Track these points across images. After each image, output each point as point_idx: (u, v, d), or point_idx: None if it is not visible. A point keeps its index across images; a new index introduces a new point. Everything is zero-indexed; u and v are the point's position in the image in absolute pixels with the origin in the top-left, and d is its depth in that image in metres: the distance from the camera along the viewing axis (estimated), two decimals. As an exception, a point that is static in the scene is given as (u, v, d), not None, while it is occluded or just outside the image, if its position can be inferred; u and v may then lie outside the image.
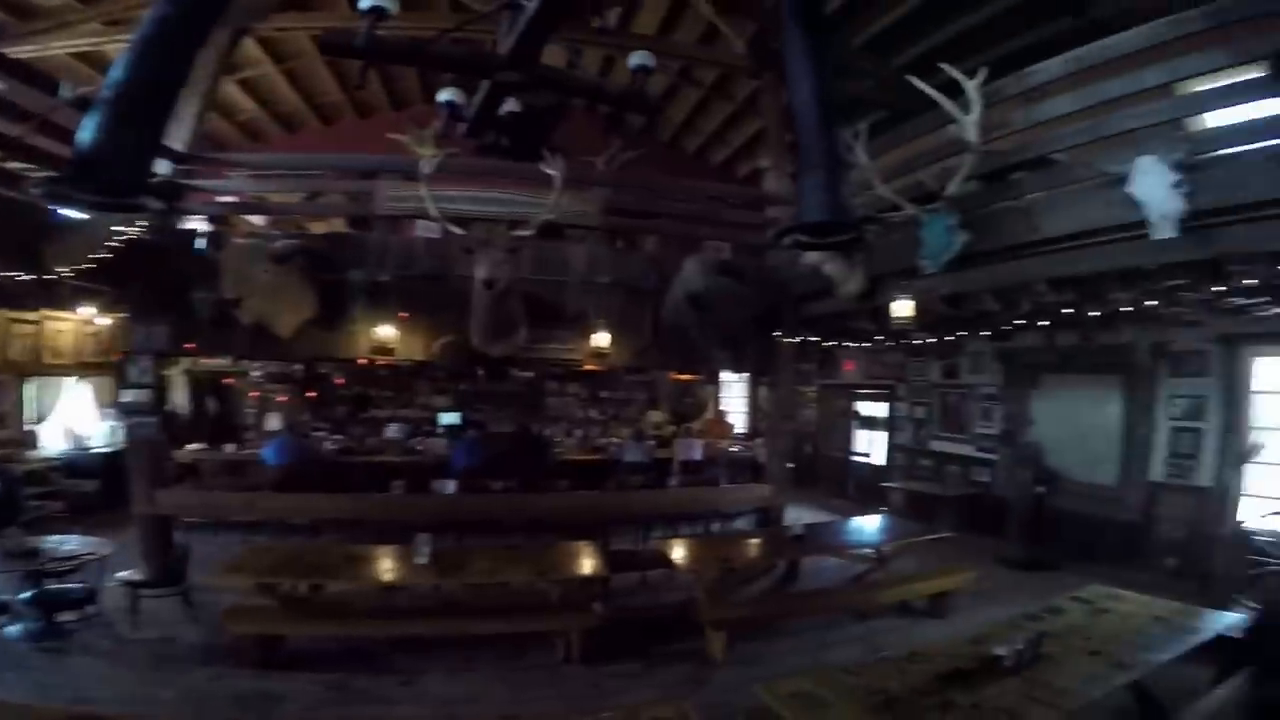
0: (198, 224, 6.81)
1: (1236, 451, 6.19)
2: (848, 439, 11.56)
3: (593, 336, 7.36)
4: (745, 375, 10.61)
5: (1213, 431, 6.37)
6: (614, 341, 7.40)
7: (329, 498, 6.86)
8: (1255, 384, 6.21)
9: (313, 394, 10.65)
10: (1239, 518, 6.01)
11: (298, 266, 6.18)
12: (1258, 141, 3.36)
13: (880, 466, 10.65)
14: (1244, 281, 3.75)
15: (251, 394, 10.54)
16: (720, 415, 11.71)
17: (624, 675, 4.58)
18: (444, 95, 5.42)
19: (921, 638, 4.91)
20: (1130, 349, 6.88)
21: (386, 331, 6.68)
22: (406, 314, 6.81)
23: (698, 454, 9.08)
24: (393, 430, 9.90)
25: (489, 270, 5.62)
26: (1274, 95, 3.35)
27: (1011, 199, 4.66)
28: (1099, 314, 5.16)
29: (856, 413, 11.41)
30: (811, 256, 5.84)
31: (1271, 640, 3.62)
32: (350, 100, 11.45)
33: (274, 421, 9.73)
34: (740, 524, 8.03)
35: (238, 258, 6.27)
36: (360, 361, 7.52)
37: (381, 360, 7.16)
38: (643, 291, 7.34)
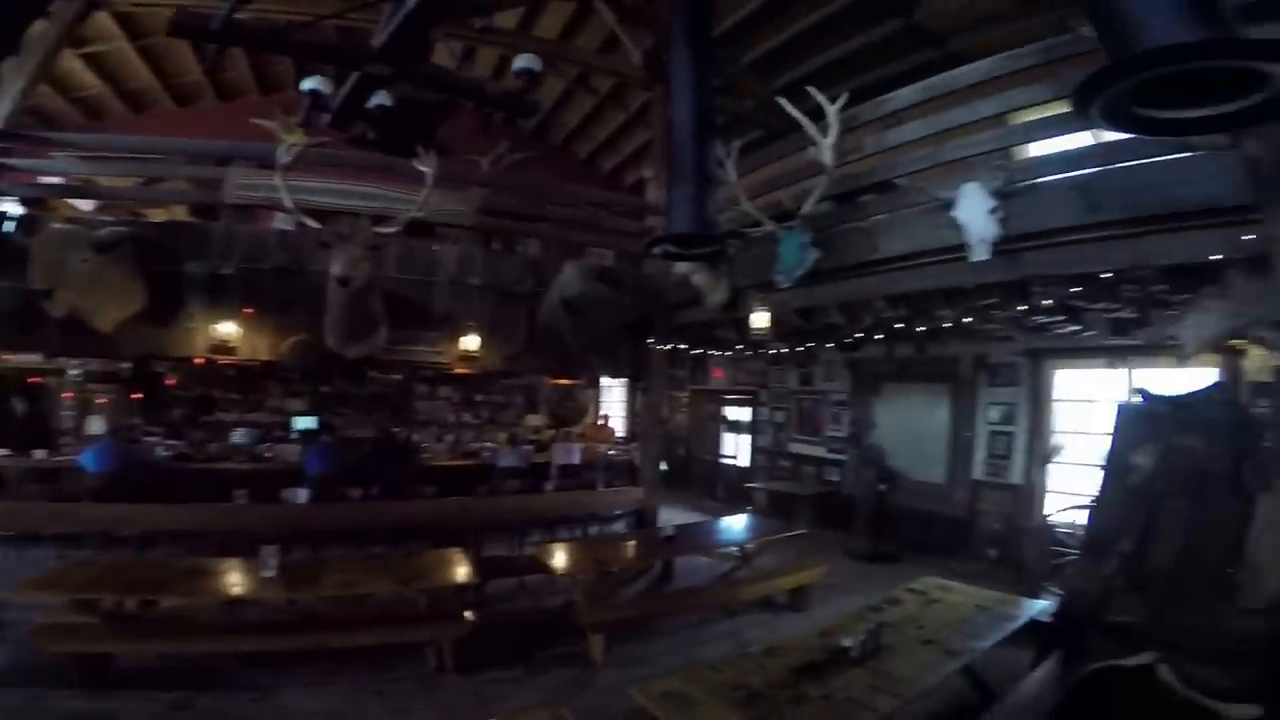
0: (7, 207, 5.91)
1: (1041, 452, 6.95)
2: (717, 442, 11.89)
3: (461, 339, 7.09)
4: (625, 380, 10.68)
5: (1022, 434, 7.10)
6: (485, 345, 7.16)
7: (163, 508, 6.14)
8: (1056, 393, 6.99)
9: (139, 395, 9.49)
10: (1045, 512, 6.61)
11: (125, 256, 5.49)
12: (1061, 172, 3.72)
13: (745, 468, 11.03)
14: (1042, 302, 4.19)
15: (65, 395, 9.24)
16: (601, 419, 11.70)
17: (505, 682, 4.49)
18: (308, 84, 5.03)
19: (782, 631, 5.09)
20: (956, 360, 7.53)
21: (228, 328, 6.10)
22: (252, 310, 6.25)
23: (576, 458, 9.00)
24: (239, 435, 9.02)
25: (345, 267, 5.26)
26: (1079, 129, 3.75)
27: (858, 220, 4.96)
28: (930, 329, 5.60)
29: (725, 417, 11.76)
30: (681, 266, 5.94)
31: (1073, 625, 4.01)
32: (212, 81, 10.40)
33: (96, 425, 8.60)
34: (618, 527, 8.04)
35: (51, 245, 5.46)
36: (198, 361, 6.80)
37: (223, 359, 6.50)
38: (517, 295, 7.17)
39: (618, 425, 12.11)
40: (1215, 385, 4.19)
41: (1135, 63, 1.98)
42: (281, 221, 6.80)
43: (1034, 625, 4.21)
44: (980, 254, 3.74)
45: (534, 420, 10.82)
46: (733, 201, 5.48)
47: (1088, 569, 4.57)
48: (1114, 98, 2.10)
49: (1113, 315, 4.36)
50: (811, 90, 4.83)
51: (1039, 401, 7.00)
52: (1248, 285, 3.06)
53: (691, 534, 6.46)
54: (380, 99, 6.49)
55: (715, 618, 5.72)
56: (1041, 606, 4.41)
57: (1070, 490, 6.50)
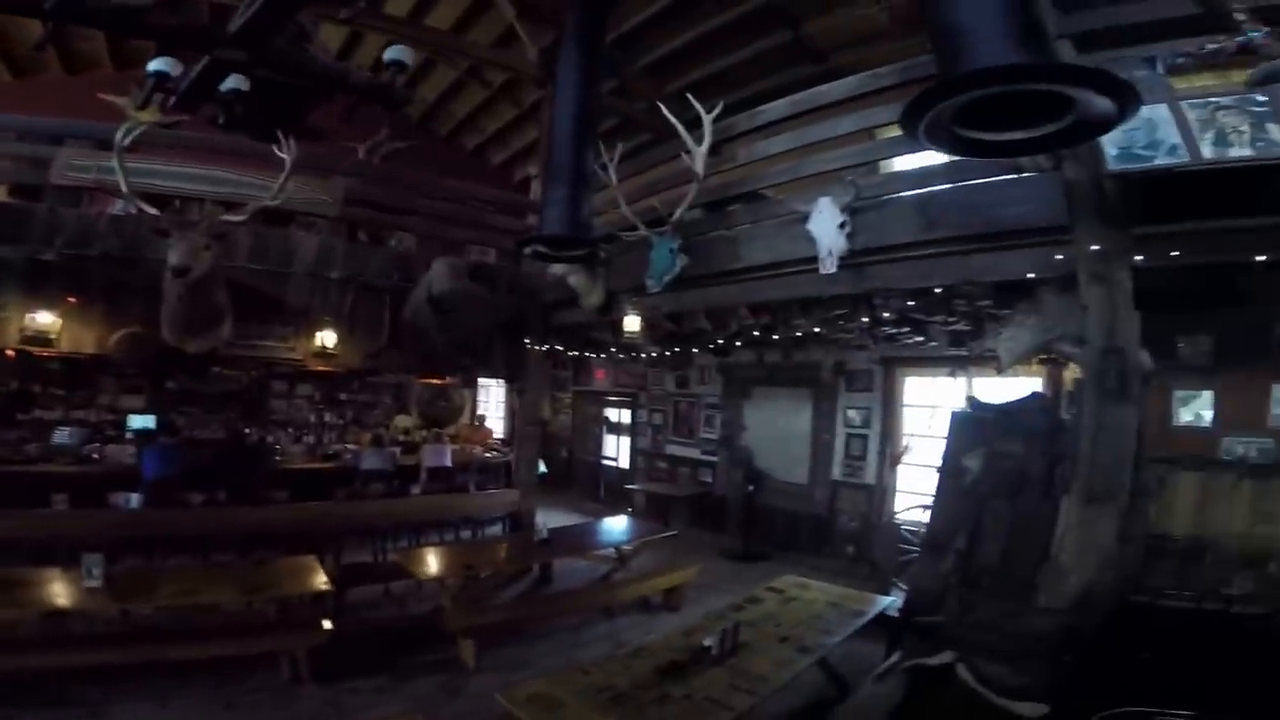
0: None
1: (892, 454, 7.32)
2: (599, 444, 11.75)
3: (317, 334, 6.50)
4: (501, 380, 10.30)
5: (875, 437, 7.45)
6: (344, 341, 6.61)
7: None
8: (906, 399, 7.38)
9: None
10: (894, 511, 6.95)
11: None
12: (906, 190, 3.84)
13: (626, 469, 10.96)
14: (883, 314, 4.34)
15: None
16: (478, 420, 11.20)
17: (366, 691, 4.30)
18: (154, 64, 4.46)
19: (658, 631, 5.05)
20: (818, 367, 7.80)
21: (46, 318, 5.39)
22: (76, 299, 5.55)
23: (448, 460, 8.54)
24: (62, 435, 7.83)
25: (183, 257, 4.64)
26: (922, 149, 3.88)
27: (725, 228, 4.96)
28: (792, 336, 5.71)
29: (606, 419, 11.64)
30: (557, 267, 5.73)
31: (916, 619, 4.14)
32: (58, 52, 8.98)
33: None
34: (493, 530, 7.73)
35: None
36: (9, 353, 5.88)
37: (40, 352, 5.75)
38: (381, 290, 6.67)
39: (497, 426, 11.65)
40: (1034, 395, 4.51)
41: (951, 85, 2.03)
42: (121, 206, 5.98)
43: (883, 620, 4.37)
44: (828, 267, 3.79)
45: (404, 421, 10.16)
46: (612, 205, 5.34)
47: (927, 566, 4.78)
48: (938, 119, 2.15)
49: (950, 327, 4.58)
50: (690, 98, 4.77)
51: (891, 406, 7.37)
52: (1057, 302, 3.26)
53: (568, 537, 6.34)
54: (235, 83, 5.88)
55: (595, 619, 5.72)
56: (889, 602, 4.57)
57: (917, 490, 6.82)
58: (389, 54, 6.81)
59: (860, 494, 7.53)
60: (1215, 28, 2.98)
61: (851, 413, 7.68)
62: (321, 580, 4.43)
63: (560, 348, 7.16)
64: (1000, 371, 3.89)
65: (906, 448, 7.15)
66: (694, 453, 9.69)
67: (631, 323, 5.44)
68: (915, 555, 5.65)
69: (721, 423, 9.21)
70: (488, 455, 9.40)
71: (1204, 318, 4.27)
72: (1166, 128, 2.70)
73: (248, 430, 8.72)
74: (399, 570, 5.19)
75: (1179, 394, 4.44)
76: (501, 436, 11.03)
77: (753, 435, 8.81)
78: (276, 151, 4.92)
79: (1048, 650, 3.07)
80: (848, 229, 3.81)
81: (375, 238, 7.51)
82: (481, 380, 11.72)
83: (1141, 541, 3.95)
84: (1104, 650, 3.25)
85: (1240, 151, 2.61)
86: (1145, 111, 2.69)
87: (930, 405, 7.08)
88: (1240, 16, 2.95)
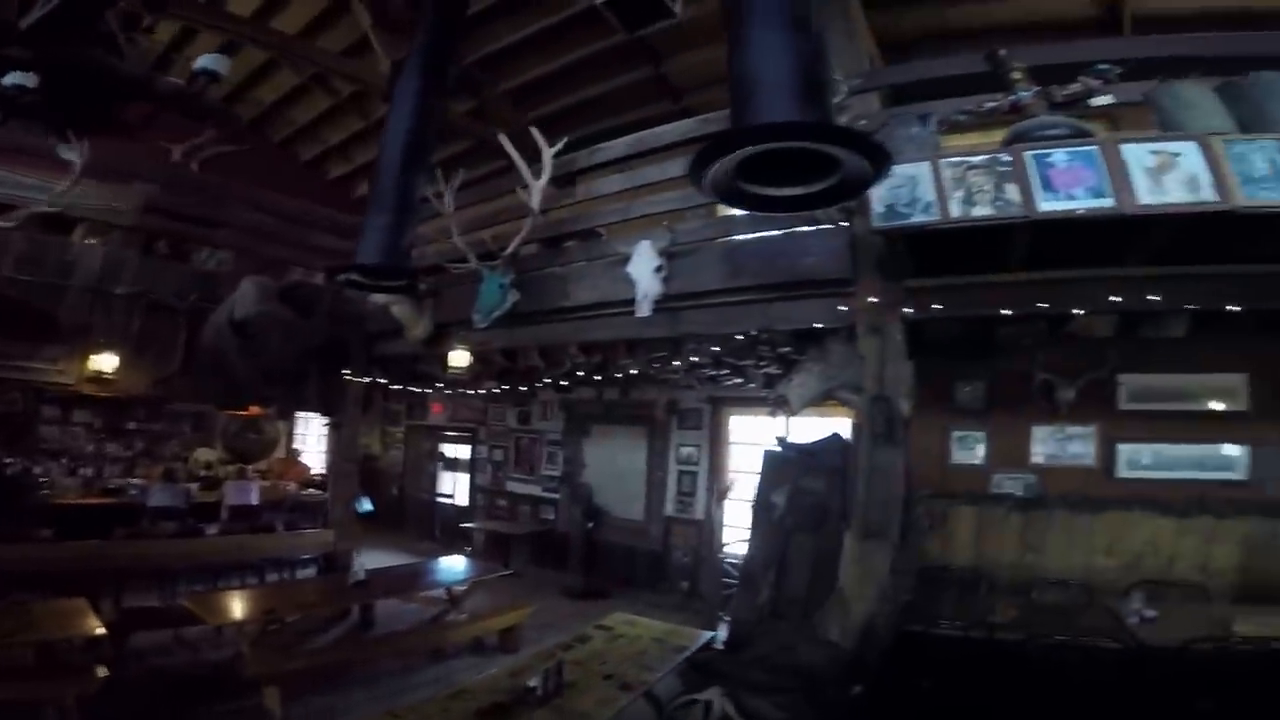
0: None
1: (718, 489, 7.47)
2: (434, 480, 11.08)
3: (93, 356, 5.54)
4: (315, 413, 9.39)
5: (704, 473, 7.60)
6: (128, 365, 5.68)
7: None
8: (732, 436, 7.62)
9: None
10: (720, 545, 6.97)
11: None
12: (716, 237, 3.93)
13: (464, 507, 10.38)
14: (691, 358, 4.40)
15: None
16: (293, 455, 10.10)
17: None
18: None
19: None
20: (653, 405, 7.87)
21: None
22: None
23: (254, 497, 7.60)
24: None
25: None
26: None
27: (557, 265, 4.86)
28: (625, 375, 5.68)
29: (443, 454, 11.01)
30: (378, 297, 5.31)
31: (738, 651, 4.13)
32: None
33: None
34: (308, 572, 6.93)
35: None
36: None
37: None
38: (176, 309, 5.84)
39: (317, 461, 10.57)
40: (834, 435, 4.75)
41: (723, 142, 2.05)
42: None
43: (709, 652, 4.30)
44: (643, 310, 3.77)
45: (206, 454, 8.90)
46: (445, 234, 5.05)
47: (745, 599, 4.85)
48: (722, 172, 2.17)
49: (762, 370, 4.73)
50: (533, 131, 4.65)
51: (718, 444, 7.58)
52: (840, 351, 3.44)
53: (390, 578, 5.91)
54: (19, 79, 5.01)
55: (424, 663, 5.33)
56: (710, 637, 4.54)
57: (743, 524, 6.80)
58: (200, 62, 6.16)
59: (692, 529, 7.60)
60: (998, 86, 3.26)
61: (683, 449, 7.81)
62: (93, 624, 3.98)
63: (384, 381, 6.61)
64: (791, 416, 4.04)
65: (731, 483, 7.33)
66: (536, 490, 9.37)
67: (458, 358, 5.13)
68: (734, 589, 5.72)
69: (563, 459, 8.99)
70: (303, 492, 8.49)
71: (978, 365, 4.69)
72: (925, 186, 2.86)
73: (8, 460, 7.28)
74: (189, 614, 4.71)
75: (956, 434, 4.83)
76: (322, 472, 10.02)
77: (593, 472, 8.70)
78: (64, 152, 4.20)
79: (816, 684, 3.11)
80: (664, 273, 3.83)
81: (177, 251, 6.60)
82: (301, 412, 10.64)
83: (912, 574, 4.22)
84: (886, 680, 3.37)
85: (982, 210, 2.78)
86: (910, 169, 2.89)
87: (752, 443, 7.34)
88: (1016, 76, 3.30)
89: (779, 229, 3.65)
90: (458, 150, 7.95)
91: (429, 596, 6.13)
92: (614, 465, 8.42)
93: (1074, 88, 3.18)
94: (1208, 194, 2.61)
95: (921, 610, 3.89)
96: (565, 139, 4.68)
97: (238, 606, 4.74)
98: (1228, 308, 2.90)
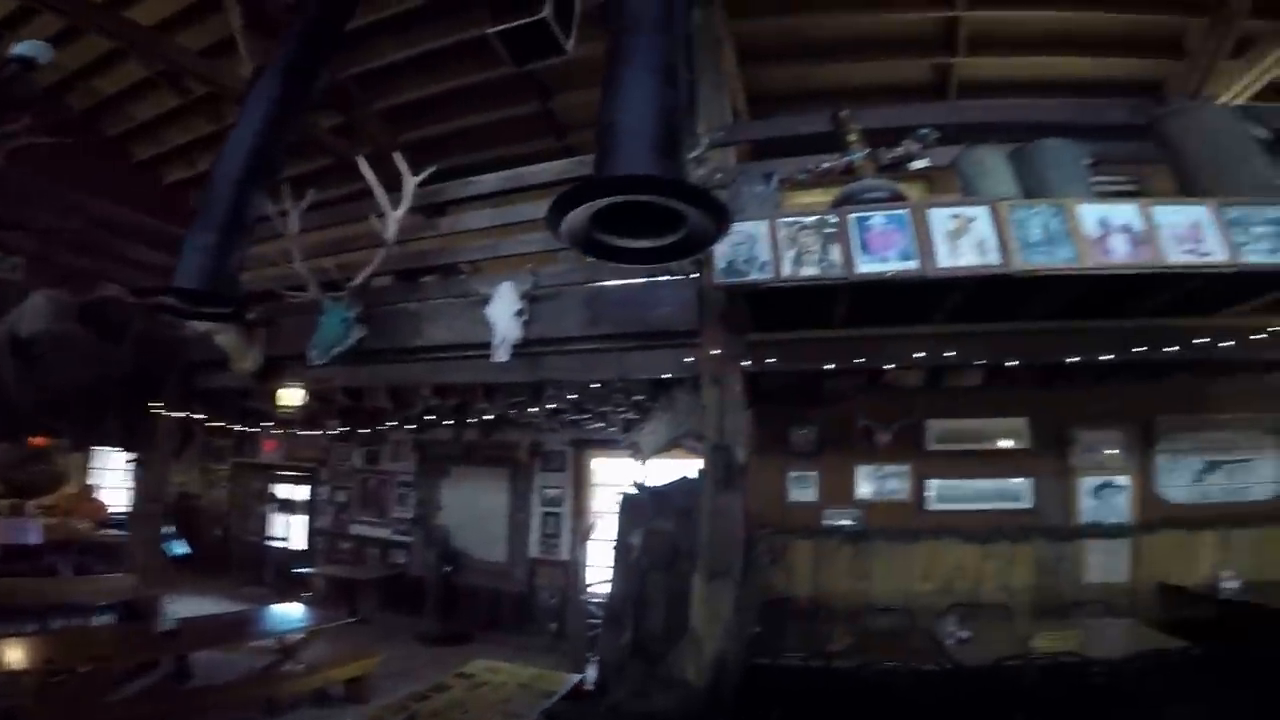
0: None
1: (582, 531, 7.47)
2: (265, 523, 10.12)
3: None
4: (117, 447, 8.22)
5: (568, 515, 7.58)
6: None
7: None
8: (595, 478, 7.69)
9: None
10: (585, 586, 6.95)
11: None
12: (577, 283, 3.97)
13: (301, 551, 9.56)
14: (548, 405, 4.40)
15: None
16: (87, 491, 8.71)
17: None
18: None
19: None
20: (515, 446, 7.78)
21: None
22: None
23: (35, 537, 6.54)
24: None
25: None
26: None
27: (412, 301, 4.65)
28: (483, 418, 5.53)
29: (274, 495, 10.11)
30: (199, 323, 4.79)
31: (606, 692, 4.12)
32: None
33: None
34: (105, 620, 6.01)
35: None
36: None
37: None
38: (-66, 325, 4.92)
39: (118, 498, 9.18)
40: (684, 478, 4.93)
41: (578, 191, 2.10)
42: None
43: (579, 693, 4.24)
44: (500, 355, 3.72)
45: (-26, 488, 7.45)
46: (286, 258, 4.68)
47: (610, 639, 4.86)
48: (578, 220, 2.20)
49: (621, 415, 4.81)
50: (397, 157, 4.45)
51: (581, 485, 7.63)
52: (687, 401, 3.59)
53: (208, 626, 5.38)
54: None
55: (257, 717, 4.97)
56: (579, 678, 4.48)
57: (605, 565, 6.76)
58: (18, 48, 5.34)
59: (557, 570, 7.54)
60: (836, 147, 3.53)
61: (547, 491, 7.77)
62: None
63: (203, 417, 5.94)
64: (642, 461, 4.15)
65: (595, 524, 7.36)
66: (385, 533, 8.83)
67: (290, 396, 4.74)
68: (598, 630, 5.73)
69: (417, 501, 8.58)
70: (98, 533, 7.39)
71: (810, 412, 5.12)
72: (763, 244, 3.03)
73: None
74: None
75: (792, 475, 5.22)
76: (123, 510, 8.71)
77: (451, 514, 8.38)
78: None
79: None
80: (525, 317, 3.80)
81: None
82: (100, 446, 9.24)
83: (757, 608, 4.44)
84: (738, 714, 3.48)
85: (809, 270, 2.96)
86: (750, 227, 3.07)
87: (616, 484, 7.43)
88: (852, 138, 3.60)
89: (640, 277, 3.75)
90: (315, 167, 7.46)
91: (259, 646, 5.58)
92: (474, 507, 8.17)
93: (898, 151, 3.57)
94: (993, 257, 2.89)
95: (768, 642, 4.10)
96: (433, 167, 4.56)
97: (10, 656, 4.18)
98: (1007, 363, 3.38)
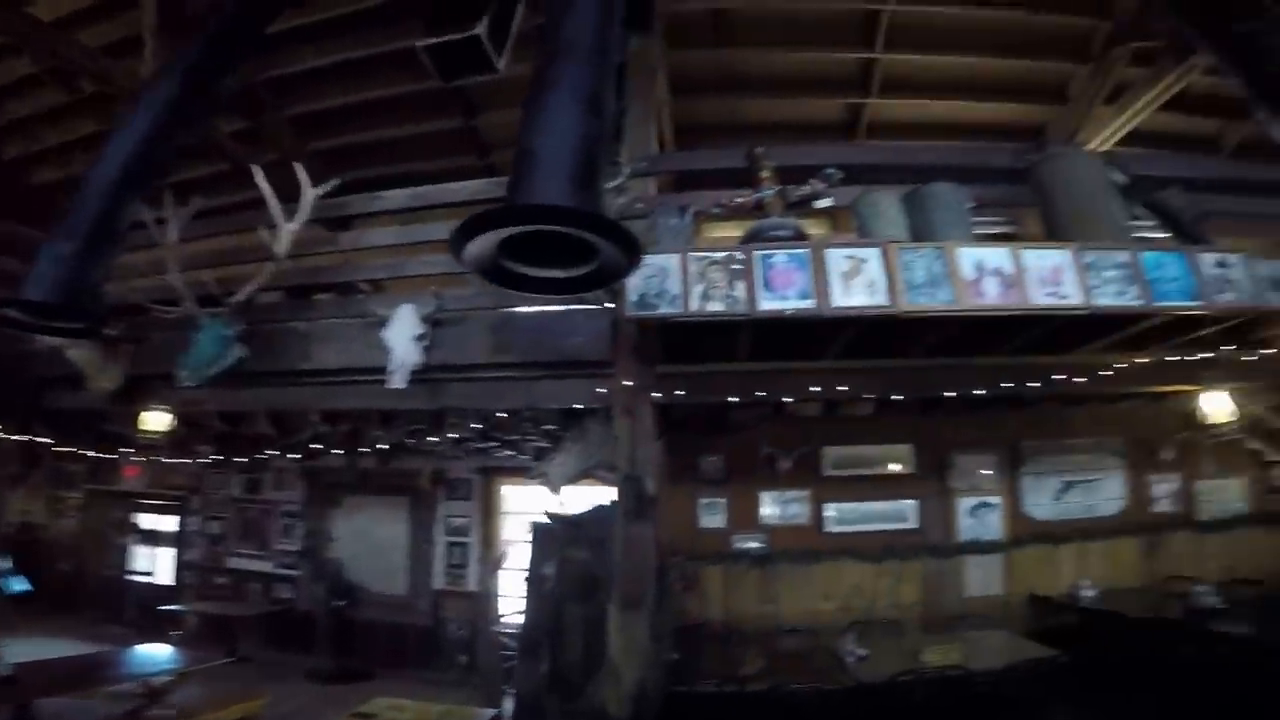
0: None
1: (492, 561, 7.27)
2: (125, 556, 9.20)
3: None
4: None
5: (476, 545, 7.35)
6: None
7: None
8: (505, 506, 7.52)
9: None
10: (497, 617, 6.82)
11: None
12: (483, 308, 3.87)
13: (167, 587, 8.74)
14: (448, 434, 4.28)
15: None
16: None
17: None
18: None
19: None
20: (416, 474, 7.47)
21: None
22: None
23: None
24: None
25: None
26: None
27: (303, 319, 4.38)
28: (379, 447, 5.28)
29: (137, 525, 9.23)
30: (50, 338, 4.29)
31: None
32: None
33: None
34: None
35: None
36: None
37: None
38: None
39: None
40: (600, 506, 4.92)
41: (485, 219, 2.06)
42: None
43: None
44: (397, 381, 3.56)
45: None
46: (159, 269, 4.30)
47: (527, 670, 4.75)
48: (485, 248, 2.15)
49: (531, 444, 4.74)
50: (297, 167, 4.19)
51: (490, 514, 7.43)
52: (599, 432, 3.59)
53: (55, 670, 4.86)
54: None
55: None
56: (494, 713, 4.44)
57: (518, 595, 6.58)
58: None
59: (465, 602, 7.30)
60: (751, 182, 3.61)
61: (452, 521, 7.50)
62: None
63: (50, 441, 5.31)
64: (553, 492, 4.11)
65: (504, 554, 7.19)
66: (268, 566, 8.21)
67: (155, 420, 4.33)
68: (514, 661, 5.60)
69: (305, 533, 8.05)
70: None
71: (719, 441, 5.29)
72: (674, 278, 3.08)
73: None
74: None
75: (703, 501, 5.35)
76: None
77: (343, 546, 7.91)
78: None
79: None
80: (425, 342, 3.67)
81: None
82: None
83: (671, 635, 4.48)
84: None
85: (715, 306, 3.03)
86: (664, 261, 3.12)
87: (528, 512, 7.30)
88: (764, 174, 3.69)
89: (546, 305, 3.71)
90: (209, 172, 6.92)
91: (119, 691, 5.01)
92: (370, 538, 7.78)
93: (804, 189, 3.73)
94: (882, 298, 3.04)
95: (686, 669, 4.16)
96: (336, 180, 4.32)
97: None
98: (893, 397, 3.62)
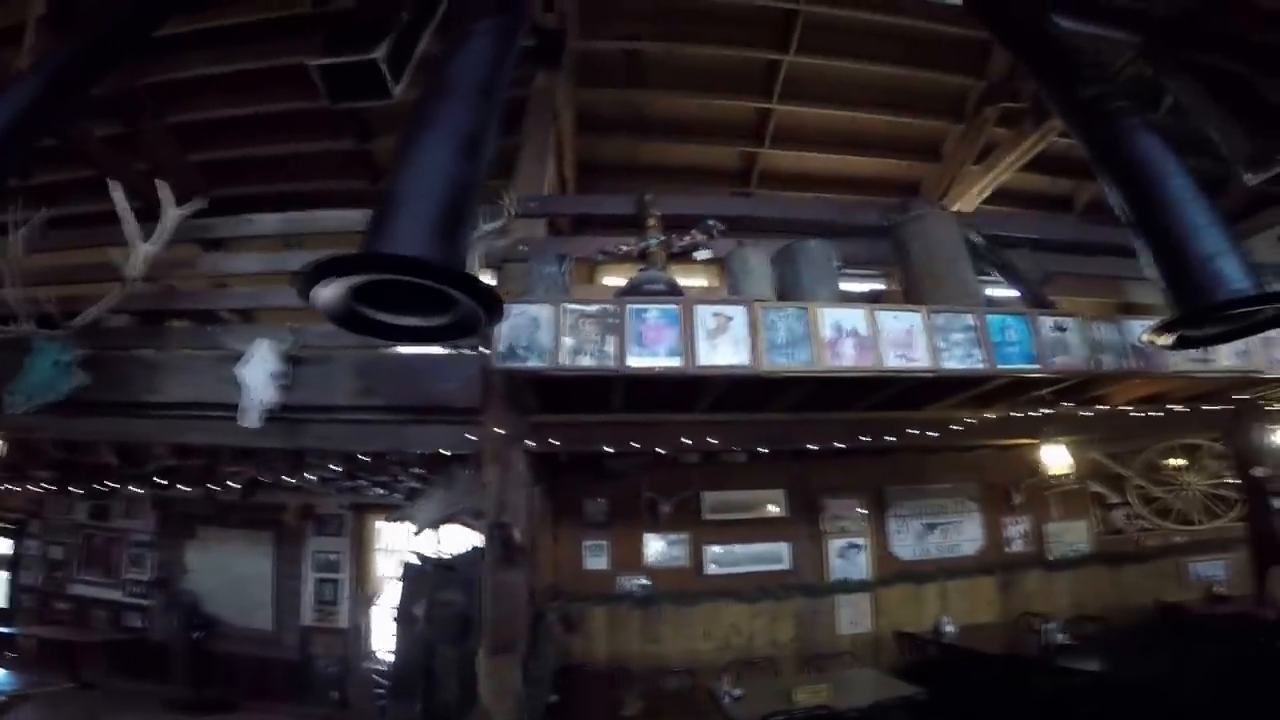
0: None
1: (364, 597, 7.06)
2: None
3: None
4: None
5: (347, 581, 7.15)
6: None
7: None
8: (378, 543, 7.37)
9: None
10: (370, 653, 6.77)
11: None
12: (348, 347, 3.73)
13: (2, 609, 8.13)
14: (307, 475, 4.15)
15: None
16: None
17: None
18: None
19: None
20: (282, 509, 7.21)
21: None
22: None
23: None
24: None
25: None
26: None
27: (151, 348, 4.13)
28: (235, 484, 5.03)
29: None
30: None
31: None
32: None
33: None
34: None
35: None
36: None
37: None
38: None
39: None
40: (474, 548, 4.89)
41: (338, 265, 1.99)
42: None
43: None
44: (251, 420, 3.42)
45: None
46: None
47: (398, 710, 4.72)
48: (336, 292, 2.11)
49: (402, 483, 4.67)
50: (159, 182, 3.95)
51: (362, 550, 7.27)
52: (466, 478, 3.59)
53: None
54: None
55: None
56: None
57: (391, 633, 6.64)
58: None
59: (336, 638, 7.11)
60: (638, 229, 3.68)
61: (322, 556, 7.28)
62: None
63: None
64: (417, 534, 4.07)
65: (379, 591, 7.03)
66: (116, 594, 7.77)
67: (-23, 448, 3.97)
68: (387, 700, 5.48)
69: (157, 563, 7.63)
70: None
71: (602, 485, 5.42)
72: (546, 330, 3.07)
73: None
74: None
75: (587, 544, 5.44)
76: None
77: (201, 578, 7.53)
78: None
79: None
80: (284, 380, 3.54)
81: None
82: None
83: (548, 680, 4.49)
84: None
85: (585, 361, 3.03)
86: (536, 310, 3.11)
87: (402, 549, 7.17)
88: (651, 222, 3.75)
89: (410, 349, 3.66)
90: (70, 178, 6.42)
91: None
92: (231, 572, 7.43)
93: (686, 240, 3.86)
94: (744, 357, 3.11)
95: (567, 710, 4.17)
96: (203, 199, 4.12)
97: None
98: (760, 449, 3.83)
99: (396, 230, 2.18)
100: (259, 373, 3.53)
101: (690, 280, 5.19)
